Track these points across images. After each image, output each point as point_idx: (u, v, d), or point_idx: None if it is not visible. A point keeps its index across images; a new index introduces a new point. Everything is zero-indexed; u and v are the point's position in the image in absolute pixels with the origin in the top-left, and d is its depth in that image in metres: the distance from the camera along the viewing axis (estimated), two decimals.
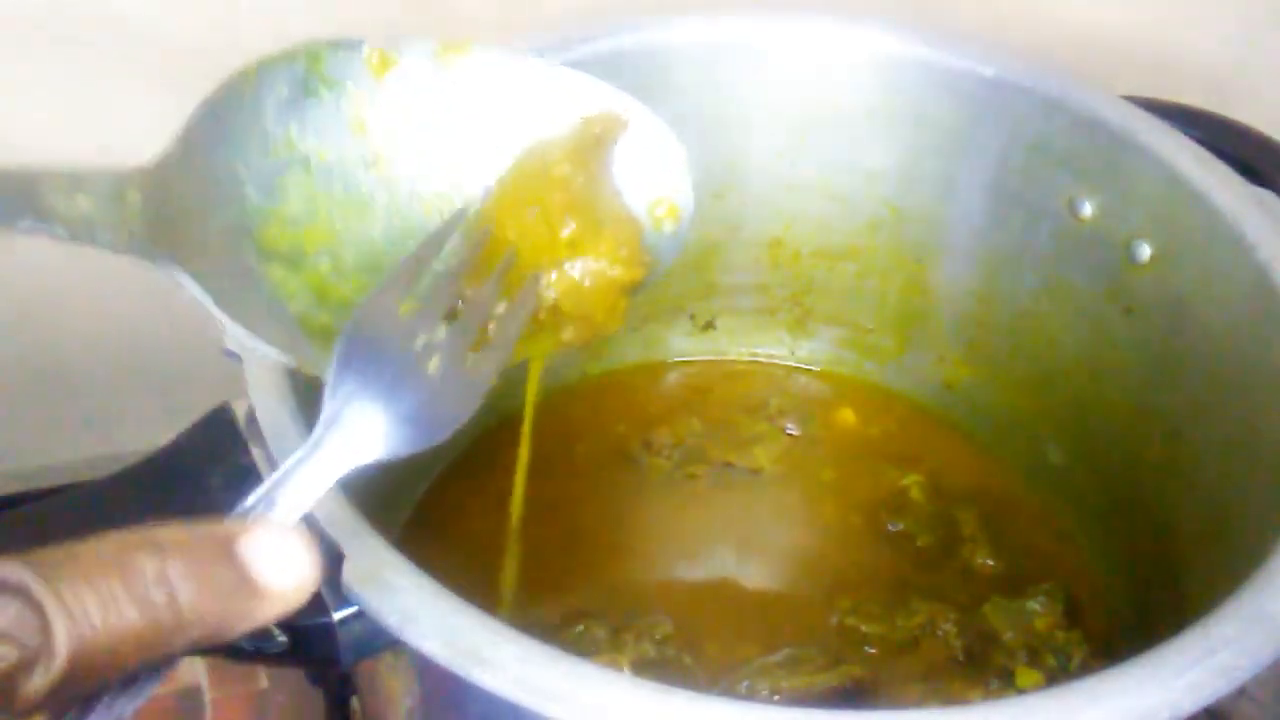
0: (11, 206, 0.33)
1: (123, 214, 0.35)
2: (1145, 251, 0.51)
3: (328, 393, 0.34)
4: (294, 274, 0.41)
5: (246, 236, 0.40)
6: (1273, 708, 0.52)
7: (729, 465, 0.58)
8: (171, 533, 0.27)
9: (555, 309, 0.43)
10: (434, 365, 0.37)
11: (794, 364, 0.64)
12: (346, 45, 0.42)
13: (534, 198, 0.43)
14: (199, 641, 0.28)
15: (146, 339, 0.67)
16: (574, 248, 0.43)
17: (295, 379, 0.40)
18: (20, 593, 0.25)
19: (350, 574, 0.35)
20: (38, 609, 0.25)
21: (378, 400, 0.34)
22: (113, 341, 0.67)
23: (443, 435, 0.36)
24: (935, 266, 0.59)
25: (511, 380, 0.58)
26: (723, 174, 0.57)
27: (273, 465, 0.38)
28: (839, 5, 0.55)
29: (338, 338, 0.35)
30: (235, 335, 0.38)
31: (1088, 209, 0.53)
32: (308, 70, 0.42)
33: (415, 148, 0.43)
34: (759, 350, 0.64)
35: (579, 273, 0.43)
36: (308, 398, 0.40)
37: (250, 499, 0.32)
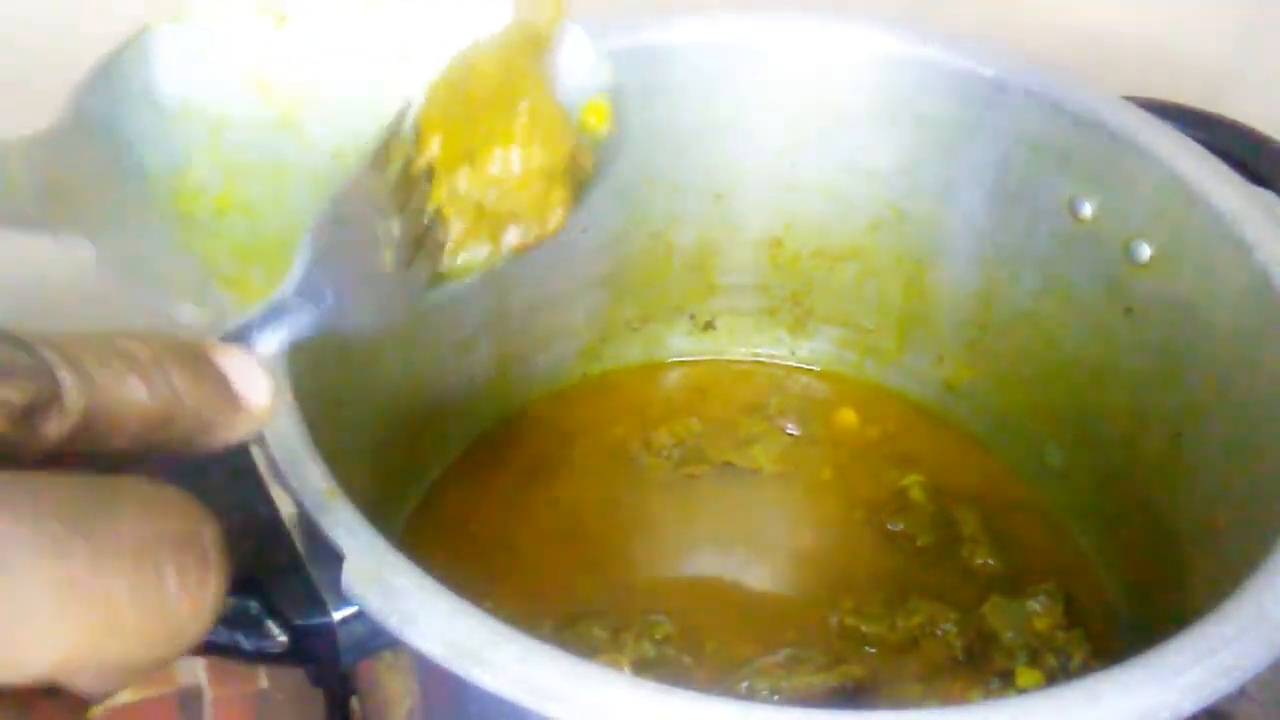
0: None
1: (2, 185, 0.34)
2: (1145, 251, 0.51)
3: (298, 260, 0.34)
4: (209, 237, 0.40)
5: (151, 204, 0.39)
6: (1273, 708, 0.52)
7: (729, 465, 0.58)
8: (156, 333, 0.28)
9: (480, 210, 0.40)
10: (388, 258, 0.37)
11: (794, 364, 0.64)
12: (233, 3, 0.40)
13: (456, 99, 0.41)
14: (187, 438, 0.28)
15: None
16: (488, 141, 0.40)
17: (295, 379, 0.40)
18: (26, 348, 0.25)
19: (350, 574, 0.35)
20: (44, 362, 0.25)
21: (341, 274, 0.34)
22: None
23: (378, 326, 0.36)
24: (935, 267, 0.59)
25: (511, 381, 0.59)
26: (723, 174, 0.57)
27: (273, 466, 0.38)
28: (839, 5, 0.55)
29: (323, 208, 0.35)
30: (134, 295, 0.37)
31: (1088, 209, 0.53)
32: (197, 32, 0.39)
33: (327, 103, 0.41)
34: (759, 350, 0.64)
35: (497, 166, 0.40)
36: (308, 397, 0.40)
37: (228, 331, 0.32)
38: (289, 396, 0.40)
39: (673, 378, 0.63)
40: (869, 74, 0.55)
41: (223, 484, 0.40)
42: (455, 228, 0.40)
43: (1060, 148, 0.53)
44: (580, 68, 0.42)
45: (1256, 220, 0.47)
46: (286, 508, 0.39)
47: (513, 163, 0.40)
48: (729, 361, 0.64)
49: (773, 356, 0.64)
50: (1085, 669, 0.50)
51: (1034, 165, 0.54)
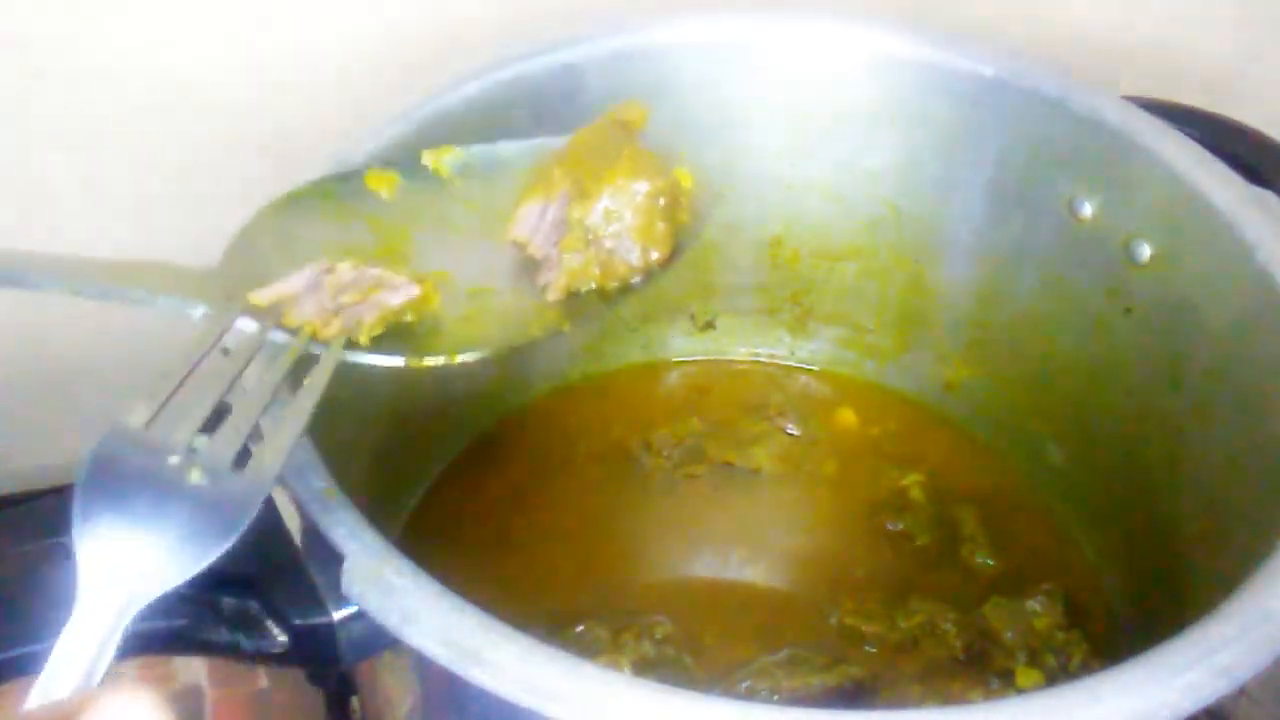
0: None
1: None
2: (1145, 251, 0.51)
3: (76, 540, 0.32)
4: None
5: None
6: (1273, 708, 0.52)
7: (729, 465, 0.58)
8: None
9: (592, 240, 0.45)
10: (195, 476, 0.34)
11: (794, 364, 0.64)
12: (349, 176, 0.46)
13: (568, 158, 0.46)
14: None
15: (146, 339, 0.66)
16: (599, 180, 0.45)
17: (295, 379, 0.40)
18: None
19: (350, 574, 0.35)
20: None
21: (137, 532, 0.32)
22: (113, 341, 0.66)
23: (227, 542, 0.33)
24: (935, 266, 0.59)
25: (511, 381, 0.59)
26: (723, 174, 0.57)
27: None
28: (839, 5, 0.55)
29: (78, 476, 0.33)
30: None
31: (1088, 209, 0.53)
32: (321, 203, 0.44)
33: (445, 244, 0.45)
34: (759, 350, 0.64)
35: (607, 198, 0.45)
36: None
37: (42, 678, 0.30)
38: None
39: (673, 378, 0.63)
40: (869, 74, 0.55)
41: None
42: (571, 260, 0.44)
43: (1060, 148, 0.53)
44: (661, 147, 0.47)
45: (1256, 220, 0.47)
46: (286, 508, 0.39)
47: (622, 191, 0.45)
48: (729, 361, 0.64)
49: (773, 356, 0.64)
50: (1085, 669, 0.50)
51: (1034, 165, 0.54)
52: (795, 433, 0.60)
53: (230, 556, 0.37)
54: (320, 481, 0.37)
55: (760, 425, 0.60)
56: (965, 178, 0.56)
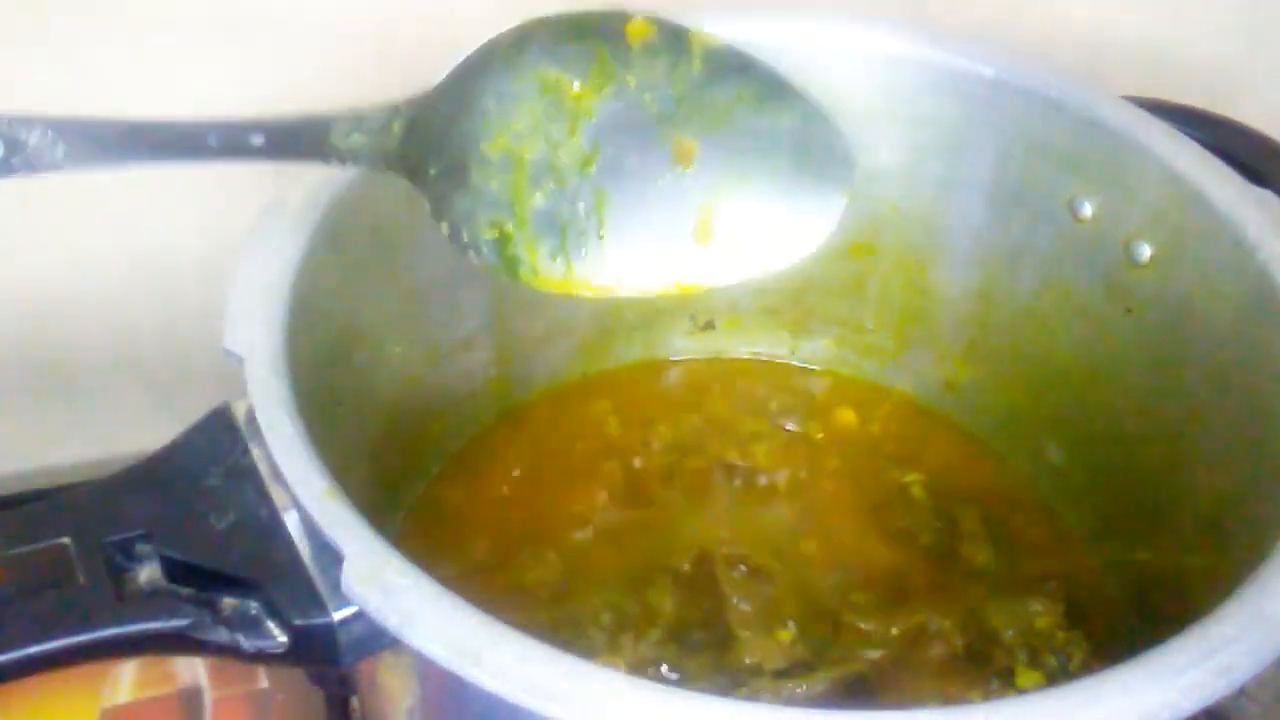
0: (303, 148, 0.42)
1: (384, 143, 0.43)
2: (1145, 251, 0.51)
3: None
4: (497, 177, 0.46)
5: (474, 144, 0.46)
6: (1273, 708, 0.52)
7: (729, 464, 0.58)
8: None
9: None
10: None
11: (794, 363, 0.64)
12: (616, 16, 0.47)
13: None
14: None
15: (146, 339, 0.67)
16: None
17: (295, 378, 0.40)
18: None
19: (350, 574, 0.35)
20: None
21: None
22: (113, 342, 0.67)
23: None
24: (935, 266, 0.59)
25: (511, 381, 0.59)
26: None
27: (273, 466, 0.38)
28: (840, 5, 0.55)
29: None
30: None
31: (1088, 209, 0.53)
32: (577, 24, 0.46)
33: (643, 114, 0.48)
34: (759, 349, 0.64)
35: None
36: (308, 397, 0.40)
37: None
38: (289, 397, 0.40)
39: (673, 377, 0.63)
40: (869, 74, 0.55)
41: (222, 485, 0.40)
42: None
43: (1060, 148, 0.53)
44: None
45: (1256, 220, 0.47)
46: (286, 508, 0.39)
47: None
48: (729, 361, 0.64)
49: (773, 356, 0.64)
50: (1085, 669, 0.50)
51: (1034, 165, 0.54)
52: (795, 432, 0.60)
53: (230, 557, 0.37)
54: (320, 481, 0.37)
55: (760, 424, 0.60)
56: (965, 178, 0.56)
